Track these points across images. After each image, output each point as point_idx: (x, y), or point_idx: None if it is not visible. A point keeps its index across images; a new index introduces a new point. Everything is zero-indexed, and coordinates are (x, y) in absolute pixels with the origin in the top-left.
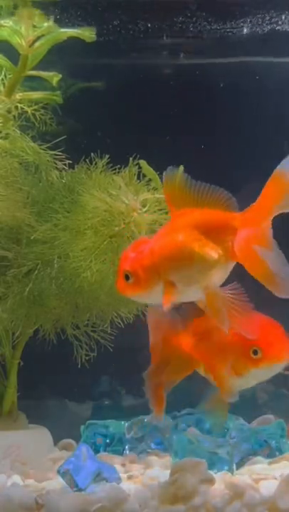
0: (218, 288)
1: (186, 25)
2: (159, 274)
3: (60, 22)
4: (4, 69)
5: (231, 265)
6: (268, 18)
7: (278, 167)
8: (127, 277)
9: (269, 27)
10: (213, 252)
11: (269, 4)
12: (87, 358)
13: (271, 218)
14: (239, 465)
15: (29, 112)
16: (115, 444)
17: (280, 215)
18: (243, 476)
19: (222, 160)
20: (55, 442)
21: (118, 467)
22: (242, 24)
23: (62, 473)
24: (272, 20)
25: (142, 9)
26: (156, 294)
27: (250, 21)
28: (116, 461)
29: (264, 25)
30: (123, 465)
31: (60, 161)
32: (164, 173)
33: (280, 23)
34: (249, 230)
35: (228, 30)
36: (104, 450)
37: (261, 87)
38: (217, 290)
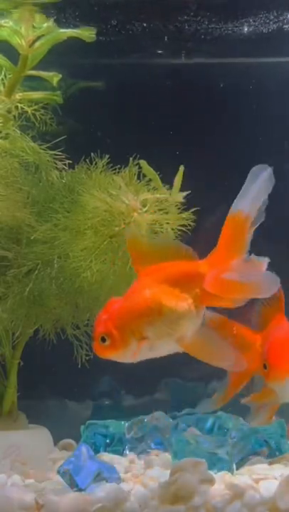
0: (192, 337)
1: (186, 25)
2: (133, 332)
3: (58, 22)
4: (4, 69)
5: (202, 312)
6: (272, 17)
7: (232, 208)
8: (103, 339)
9: (273, 26)
10: (182, 303)
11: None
12: (87, 358)
13: (240, 257)
14: (239, 465)
15: (29, 112)
16: (115, 444)
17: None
18: (243, 476)
19: (222, 160)
20: (55, 442)
21: (118, 467)
22: (243, 23)
23: (62, 473)
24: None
25: (141, 9)
26: (133, 352)
27: (253, 21)
28: (116, 461)
29: (267, 24)
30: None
31: (60, 161)
32: (126, 233)
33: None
34: (218, 271)
35: (228, 29)
36: (104, 450)
37: (262, 88)
38: (192, 339)
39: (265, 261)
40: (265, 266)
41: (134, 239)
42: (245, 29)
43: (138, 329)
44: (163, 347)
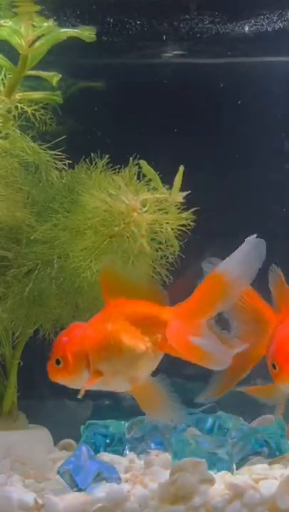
0: (146, 379)
1: (186, 25)
2: (87, 362)
3: (58, 22)
4: (4, 69)
5: (159, 357)
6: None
7: (217, 268)
8: (58, 361)
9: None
10: (141, 344)
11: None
12: None
13: (207, 318)
14: (239, 465)
15: (29, 111)
16: (115, 444)
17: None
18: (243, 476)
19: (222, 160)
20: (55, 442)
21: (118, 467)
22: (244, 23)
23: (62, 473)
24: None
25: (140, 8)
26: (83, 381)
27: (254, 20)
28: (116, 461)
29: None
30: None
31: (60, 161)
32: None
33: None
34: (181, 323)
35: (228, 29)
36: (104, 450)
37: (262, 88)
38: (144, 382)
39: (236, 346)
40: (229, 354)
41: (109, 268)
42: (246, 29)
43: (93, 361)
44: (115, 383)
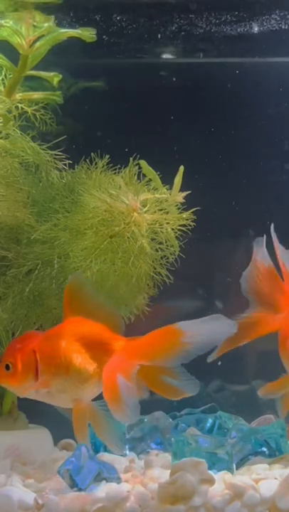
0: (88, 402)
1: (186, 25)
2: (35, 374)
3: (59, 22)
4: (4, 69)
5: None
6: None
7: (182, 324)
8: (7, 366)
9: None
10: (88, 368)
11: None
12: None
13: (150, 363)
14: (239, 465)
15: (29, 112)
16: None
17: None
18: (243, 476)
19: (223, 160)
20: (55, 442)
21: (118, 467)
22: (249, 23)
23: (62, 473)
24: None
25: (141, 9)
26: (29, 391)
27: (259, 20)
28: (116, 461)
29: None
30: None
31: (61, 161)
32: (69, 278)
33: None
34: (123, 358)
35: (229, 29)
36: (104, 450)
37: (262, 87)
38: (85, 405)
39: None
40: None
41: (76, 284)
42: (255, 28)
43: (42, 374)
44: (59, 399)
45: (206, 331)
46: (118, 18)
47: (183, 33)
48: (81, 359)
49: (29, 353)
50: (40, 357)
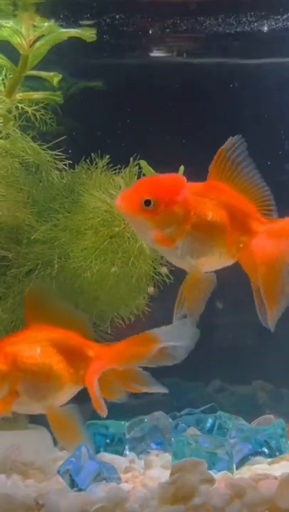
0: (61, 409)
1: (186, 25)
2: (7, 380)
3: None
4: (5, 69)
5: (75, 390)
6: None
7: (156, 332)
8: None
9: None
10: (66, 375)
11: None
12: None
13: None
14: (239, 465)
15: (30, 112)
16: (115, 444)
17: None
18: (243, 476)
19: None
20: (55, 442)
21: (118, 467)
22: (242, 23)
23: (63, 473)
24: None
25: (141, 9)
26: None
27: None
28: (116, 461)
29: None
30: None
31: (61, 161)
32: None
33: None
34: (103, 364)
35: (225, 29)
36: (104, 450)
37: (261, 87)
38: (59, 412)
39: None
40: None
41: (36, 293)
42: (245, 29)
43: (13, 380)
44: (31, 406)
45: (176, 337)
46: (118, 17)
47: (185, 33)
48: (60, 365)
49: (5, 357)
50: (12, 362)
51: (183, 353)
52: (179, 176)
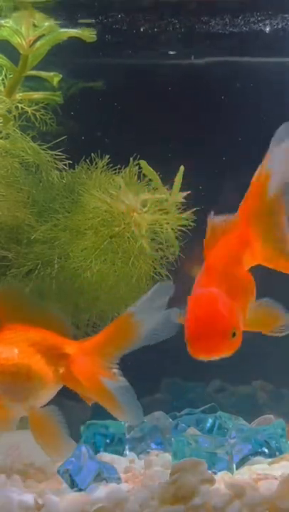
0: (41, 410)
1: (185, 25)
2: None
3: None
4: (5, 69)
5: (56, 389)
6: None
7: (129, 309)
8: None
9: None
10: (46, 374)
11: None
12: None
13: (114, 357)
14: (239, 465)
15: (29, 112)
16: (115, 444)
17: None
18: (243, 476)
19: (223, 160)
20: None
21: (118, 467)
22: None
23: (62, 473)
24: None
25: (141, 9)
26: None
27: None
28: (116, 461)
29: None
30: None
31: (61, 161)
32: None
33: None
34: (88, 360)
35: (224, 29)
36: (104, 450)
37: (262, 87)
38: (41, 413)
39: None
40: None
41: (9, 293)
42: (244, 29)
43: None
44: (11, 408)
45: (150, 303)
46: (119, 16)
47: (185, 33)
48: (39, 365)
49: None
50: None
51: (166, 329)
52: None
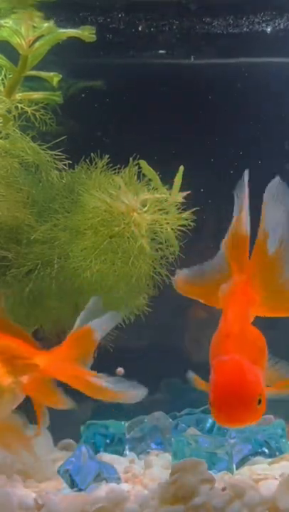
0: (5, 421)
1: (185, 25)
2: None
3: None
4: (4, 69)
5: (18, 400)
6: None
7: (91, 324)
8: None
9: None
10: (8, 383)
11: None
12: None
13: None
14: (239, 465)
15: (29, 112)
16: (115, 444)
17: None
18: (243, 476)
19: (223, 160)
20: (55, 442)
21: (118, 467)
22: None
23: (62, 474)
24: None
25: (141, 9)
26: None
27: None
28: (116, 461)
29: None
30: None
31: (60, 161)
32: None
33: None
34: (65, 365)
35: (223, 29)
36: (104, 450)
37: (261, 87)
38: (4, 423)
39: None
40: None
41: None
42: (244, 29)
43: None
44: None
45: (106, 325)
46: (120, 16)
47: (184, 33)
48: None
49: None
50: None
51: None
52: None
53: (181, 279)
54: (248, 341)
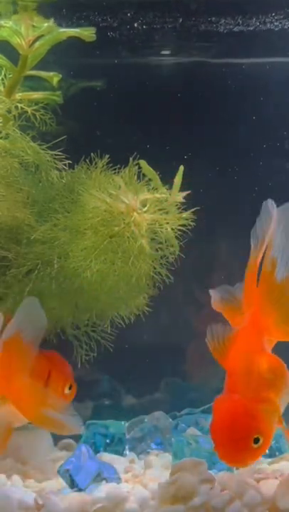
0: None
1: (185, 25)
2: None
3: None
4: (4, 69)
5: None
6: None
7: (5, 333)
8: None
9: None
10: None
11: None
12: (87, 357)
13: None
14: None
15: (29, 112)
16: (115, 444)
17: None
18: (243, 476)
19: (223, 160)
20: (55, 442)
21: (118, 467)
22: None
23: (62, 473)
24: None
25: (141, 9)
26: None
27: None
28: (116, 461)
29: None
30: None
31: (60, 161)
32: None
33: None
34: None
35: (222, 29)
36: (105, 450)
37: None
38: None
39: None
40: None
41: None
42: (244, 29)
43: None
44: None
45: (27, 317)
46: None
47: (184, 31)
48: None
49: None
50: None
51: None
52: None
53: (217, 296)
54: (254, 377)
